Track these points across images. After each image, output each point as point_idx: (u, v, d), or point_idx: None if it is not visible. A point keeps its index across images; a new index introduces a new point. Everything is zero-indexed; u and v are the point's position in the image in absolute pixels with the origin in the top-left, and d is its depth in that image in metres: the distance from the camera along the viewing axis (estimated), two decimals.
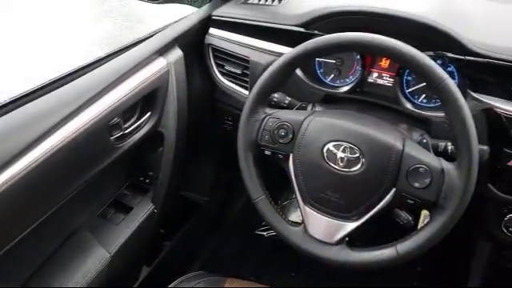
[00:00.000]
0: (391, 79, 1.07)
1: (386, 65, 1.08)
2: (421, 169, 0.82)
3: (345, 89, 1.09)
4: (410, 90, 1.06)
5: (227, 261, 1.73)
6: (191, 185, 1.66)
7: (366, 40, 0.83)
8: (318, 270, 1.66)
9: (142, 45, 1.07)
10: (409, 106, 1.03)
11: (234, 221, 1.88)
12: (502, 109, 0.93)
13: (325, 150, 0.87)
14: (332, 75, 1.13)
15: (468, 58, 0.94)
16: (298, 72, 1.10)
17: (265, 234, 1.81)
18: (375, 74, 1.09)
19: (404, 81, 1.06)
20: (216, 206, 1.79)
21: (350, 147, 0.86)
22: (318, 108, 1.03)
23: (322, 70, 1.14)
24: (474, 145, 0.78)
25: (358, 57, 1.08)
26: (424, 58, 0.80)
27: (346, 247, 0.89)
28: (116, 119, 0.98)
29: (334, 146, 0.87)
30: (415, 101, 1.06)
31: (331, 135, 0.88)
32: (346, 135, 0.87)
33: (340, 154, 0.86)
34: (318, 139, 0.88)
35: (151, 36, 1.12)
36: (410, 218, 0.88)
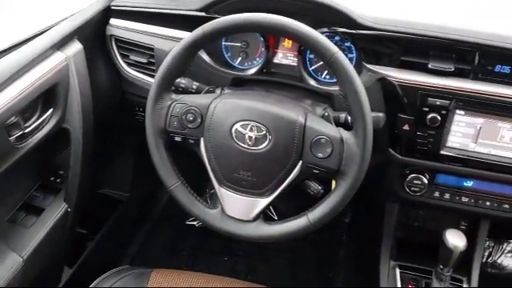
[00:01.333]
0: (295, 58, 1.11)
1: (289, 45, 1.12)
2: (322, 140, 0.86)
3: (252, 71, 1.11)
4: (313, 67, 1.10)
5: (157, 254, 1.71)
6: (110, 182, 1.62)
7: (258, 20, 0.85)
8: (251, 250, 1.69)
9: (36, 40, 1.01)
10: (313, 82, 1.08)
11: (161, 213, 1.86)
12: (393, 77, 0.99)
13: (233, 130, 0.89)
14: (239, 58, 1.15)
15: (359, 31, 1.00)
16: (205, 57, 1.11)
17: (195, 223, 1.81)
18: (280, 55, 1.12)
19: (307, 59, 1.10)
20: (140, 200, 1.76)
21: (256, 126, 0.88)
22: (226, 91, 1.04)
23: (229, 54, 1.16)
24: (367, 113, 0.83)
25: (262, 38, 1.10)
26: (315, 34, 0.83)
27: (263, 222, 0.92)
28: (13, 118, 0.93)
29: (242, 125, 0.89)
30: (319, 77, 1.10)
31: (238, 116, 0.89)
32: (251, 114, 0.89)
33: (248, 133, 0.88)
34: (226, 120, 0.90)
35: (47, 30, 1.06)
36: (320, 188, 0.92)
